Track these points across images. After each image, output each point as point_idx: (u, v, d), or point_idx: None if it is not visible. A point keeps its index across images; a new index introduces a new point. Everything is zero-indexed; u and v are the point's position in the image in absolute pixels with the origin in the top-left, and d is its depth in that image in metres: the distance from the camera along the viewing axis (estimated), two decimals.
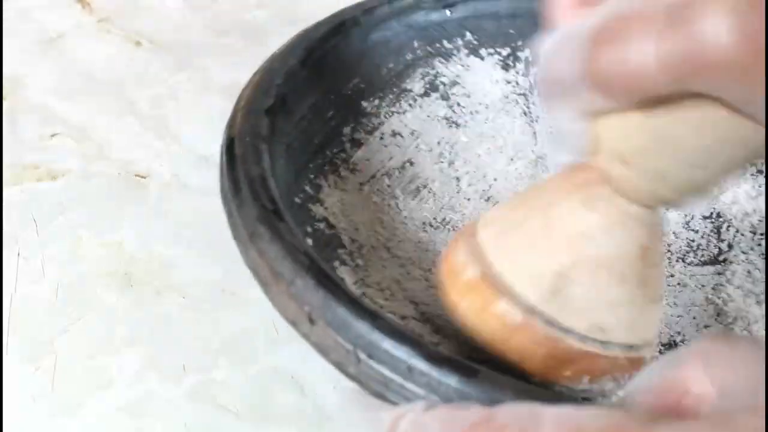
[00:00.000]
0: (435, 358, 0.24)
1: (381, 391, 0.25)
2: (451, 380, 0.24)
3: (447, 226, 0.38)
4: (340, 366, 0.26)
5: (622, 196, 0.26)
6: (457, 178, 0.40)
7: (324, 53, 0.38)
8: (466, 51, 0.42)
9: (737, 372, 0.21)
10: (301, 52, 0.37)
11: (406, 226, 0.37)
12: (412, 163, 0.39)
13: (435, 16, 0.41)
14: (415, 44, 0.41)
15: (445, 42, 0.41)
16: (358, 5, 0.40)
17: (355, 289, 0.32)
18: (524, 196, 0.31)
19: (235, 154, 0.31)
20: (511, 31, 0.41)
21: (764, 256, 0.37)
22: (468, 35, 0.41)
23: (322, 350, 0.26)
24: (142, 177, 0.41)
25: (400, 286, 0.34)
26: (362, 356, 0.25)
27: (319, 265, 0.27)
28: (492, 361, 0.27)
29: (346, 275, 0.33)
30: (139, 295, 0.35)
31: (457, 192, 0.39)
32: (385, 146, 0.40)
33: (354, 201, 0.37)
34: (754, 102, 0.21)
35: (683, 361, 0.21)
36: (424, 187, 0.39)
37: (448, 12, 0.41)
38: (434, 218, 0.38)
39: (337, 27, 0.38)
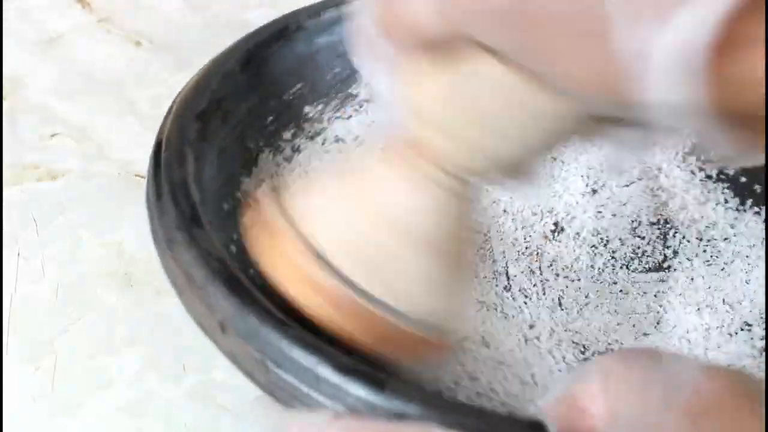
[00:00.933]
0: (342, 368, 0.24)
1: (290, 401, 0.24)
2: (359, 391, 0.23)
3: None
4: (250, 375, 0.25)
5: (437, 167, 0.25)
6: None
7: (265, 57, 0.37)
8: None
9: (629, 394, 0.21)
10: (240, 55, 0.36)
11: None
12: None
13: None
14: None
15: None
16: (304, 9, 0.39)
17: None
18: (341, 166, 0.31)
19: (160, 159, 0.31)
20: None
21: (708, 263, 0.37)
22: None
23: (234, 359, 0.26)
24: (142, 177, 0.40)
25: None
26: (271, 366, 0.25)
27: (231, 273, 0.27)
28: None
29: None
30: (139, 295, 0.35)
31: None
32: (327, 152, 0.39)
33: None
34: (520, 49, 0.21)
35: (586, 378, 0.21)
36: None
37: None
38: None
39: (281, 31, 0.38)
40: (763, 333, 0.34)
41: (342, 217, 0.27)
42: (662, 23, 0.18)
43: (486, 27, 0.22)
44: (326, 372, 0.24)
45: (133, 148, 0.42)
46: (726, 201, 0.39)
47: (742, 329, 0.34)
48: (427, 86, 0.25)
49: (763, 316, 0.34)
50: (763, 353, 0.33)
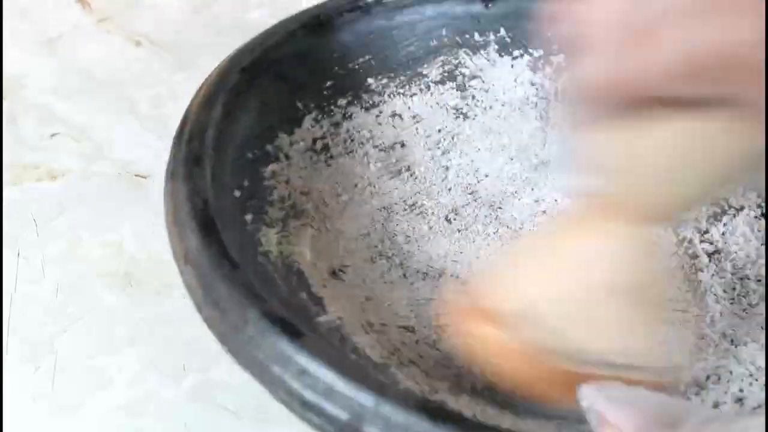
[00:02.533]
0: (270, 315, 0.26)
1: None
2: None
3: (414, 211, 0.38)
4: (197, 306, 0.28)
5: (620, 219, 0.26)
6: (447, 167, 0.39)
7: (335, 25, 0.38)
8: (496, 47, 0.41)
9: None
10: (308, 19, 0.37)
11: (365, 203, 0.37)
12: (403, 145, 0.39)
13: (471, 8, 0.40)
14: (443, 32, 0.40)
15: (476, 34, 0.41)
16: None
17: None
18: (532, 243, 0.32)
19: (192, 103, 0.33)
20: (550, 34, 0.40)
21: None
22: (502, 31, 0.41)
23: (189, 291, 0.29)
24: (142, 177, 0.41)
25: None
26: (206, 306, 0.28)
27: (208, 214, 0.29)
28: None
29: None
30: (139, 295, 0.35)
31: (442, 180, 0.39)
32: (380, 124, 0.39)
33: (319, 169, 0.37)
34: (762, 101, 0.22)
35: None
36: (407, 169, 0.39)
37: (486, 6, 0.41)
38: (404, 200, 0.38)
39: (357, 2, 0.39)
40: None
41: (538, 284, 0.28)
42: None
43: (716, 74, 0.22)
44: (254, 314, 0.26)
45: (133, 148, 0.42)
46: None
47: None
48: (624, 145, 0.25)
49: None
50: None
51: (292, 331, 0.26)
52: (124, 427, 0.31)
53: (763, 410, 0.30)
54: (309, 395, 0.25)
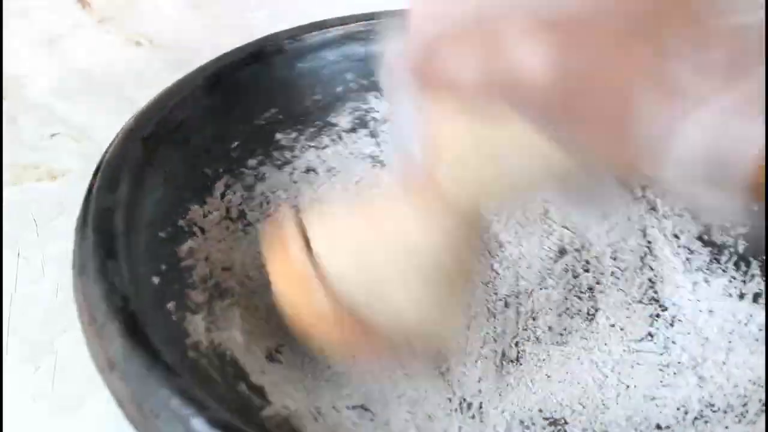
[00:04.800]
0: (216, 422, 0.24)
1: None
2: None
3: None
4: (130, 418, 0.26)
5: (448, 199, 0.27)
6: None
7: (235, 80, 0.36)
8: None
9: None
10: (206, 77, 0.35)
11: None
12: (320, 203, 0.37)
13: (373, 47, 0.36)
14: (348, 76, 0.38)
15: None
16: (284, 32, 0.38)
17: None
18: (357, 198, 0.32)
19: (93, 184, 0.30)
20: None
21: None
22: None
23: (117, 399, 0.26)
24: None
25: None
26: (147, 412, 0.25)
27: (130, 311, 0.26)
28: None
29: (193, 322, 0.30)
30: None
31: None
32: (295, 182, 0.37)
33: (238, 239, 0.35)
34: (553, 124, 0.23)
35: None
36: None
37: None
38: None
39: (255, 54, 0.36)
40: None
41: (354, 244, 0.28)
42: (683, 117, 0.20)
43: (527, 105, 0.23)
44: (198, 424, 0.24)
45: None
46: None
47: None
48: (451, 127, 0.26)
49: None
50: None
51: None
52: (124, 427, 0.31)
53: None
54: None
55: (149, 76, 0.47)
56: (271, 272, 0.29)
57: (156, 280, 0.29)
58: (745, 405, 0.32)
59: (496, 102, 0.23)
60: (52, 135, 0.42)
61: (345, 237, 0.28)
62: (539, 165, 0.25)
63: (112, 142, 0.32)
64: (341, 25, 0.38)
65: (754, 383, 0.32)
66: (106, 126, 0.43)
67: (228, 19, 0.52)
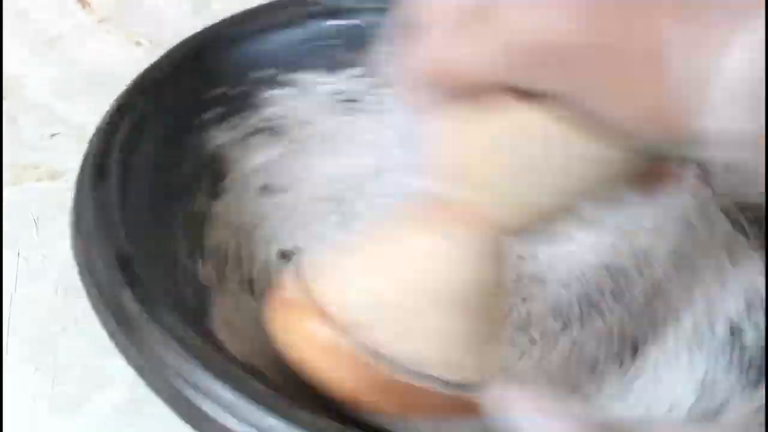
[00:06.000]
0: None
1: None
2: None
3: None
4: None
5: (462, 224, 0.25)
6: None
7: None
8: None
9: None
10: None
11: None
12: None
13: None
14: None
15: None
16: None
17: None
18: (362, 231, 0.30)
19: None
20: None
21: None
22: None
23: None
24: None
25: None
26: None
27: None
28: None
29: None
30: None
31: None
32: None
33: None
34: (579, 89, 0.21)
35: None
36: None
37: None
38: None
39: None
40: None
41: (366, 285, 0.26)
42: (721, 49, 0.18)
43: (544, 66, 0.21)
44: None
45: None
46: None
47: None
48: (463, 141, 0.24)
49: None
50: None
51: None
52: (124, 427, 0.31)
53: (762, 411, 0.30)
54: None
55: None
56: (291, 348, 0.27)
57: None
58: None
59: (521, 77, 0.21)
60: (52, 135, 0.42)
61: (357, 282, 0.26)
62: (571, 165, 0.22)
63: None
64: None
65: None
66: None
67: None
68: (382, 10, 0.33)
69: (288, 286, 0.28)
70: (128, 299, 0.27)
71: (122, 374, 0.32)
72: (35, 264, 0.36)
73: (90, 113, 0.44)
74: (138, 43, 0.49)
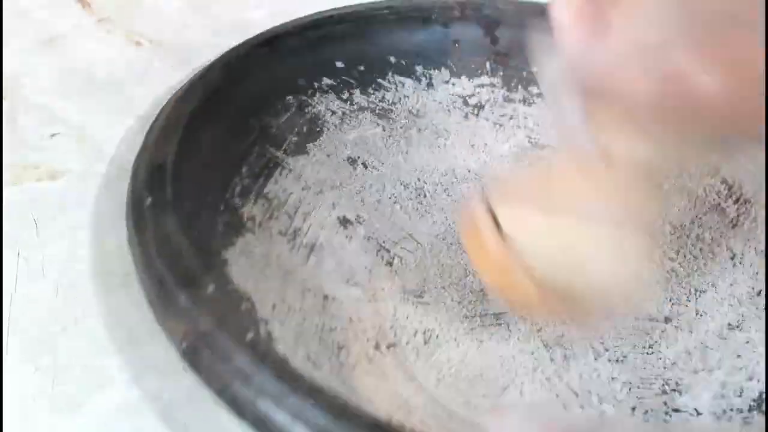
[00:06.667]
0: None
1: None
2: None
3: None
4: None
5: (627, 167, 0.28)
6: None
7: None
8: None
9: None
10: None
11: None
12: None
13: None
14: None
15: None
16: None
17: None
18: (531, 173, 0.34)
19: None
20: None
21: None
22: None
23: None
24: None
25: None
26: None
27: None
28: None
29: None
30: (139, 295, 0.35)
31: None
32: None
33: None
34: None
35: None
36: None
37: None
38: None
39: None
40: None
41: (543, 219, 0.30)
42: None
43: (700, 123, 0.24)
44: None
45: (133, 148, 0.42)
46: None
47: None
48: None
49: None
50: None
51: None
52: (124, 427, 0.31)
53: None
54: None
55: (149, 76, 0.47)
56: (472, 261, 0.32)
57: None
58: None
59: (667, 119, 0.24)
60: (52, 135, 0.42)
61: (532, 214, 0.30)
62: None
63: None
64: None
65: None
66: (106, 126, 0.43)
67: (228, 18, 0.52)
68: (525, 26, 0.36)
69: (475, 206, 0.31)
70: None
71: (122, 374, 0.32)
72: (35, 264, 0.36)
73: (90, 113, 0.44)
74: (138, 43, 0.49)
